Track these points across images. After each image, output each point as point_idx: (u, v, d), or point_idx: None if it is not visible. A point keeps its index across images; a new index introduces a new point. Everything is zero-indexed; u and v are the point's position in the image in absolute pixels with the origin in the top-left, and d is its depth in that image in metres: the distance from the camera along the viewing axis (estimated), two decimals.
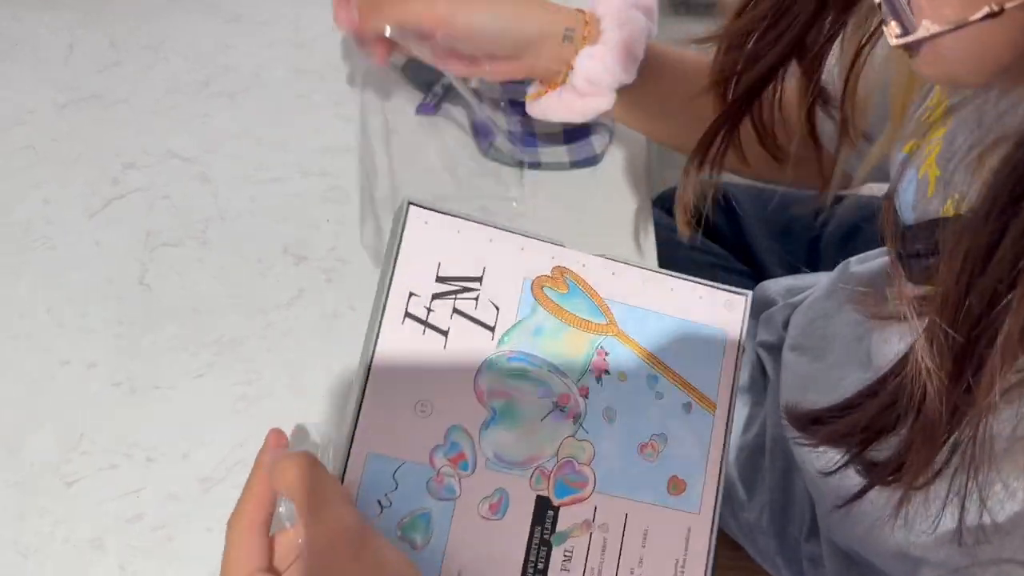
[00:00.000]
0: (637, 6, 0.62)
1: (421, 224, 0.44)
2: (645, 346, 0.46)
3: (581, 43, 0.62)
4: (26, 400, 0.61)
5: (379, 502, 0.41)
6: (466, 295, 0.44)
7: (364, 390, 0.42)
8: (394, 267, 0.43)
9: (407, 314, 0.43)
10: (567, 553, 0.43)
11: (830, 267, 0.70)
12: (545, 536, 0.43)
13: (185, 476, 0.58)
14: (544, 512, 0.43)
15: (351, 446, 0.41)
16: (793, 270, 0.77)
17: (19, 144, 0.73)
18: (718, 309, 0.47)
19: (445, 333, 0.43)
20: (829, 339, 0.59)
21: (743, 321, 0.47)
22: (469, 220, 0.45)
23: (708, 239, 0.84)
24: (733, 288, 0.48)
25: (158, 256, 0.68)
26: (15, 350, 0.63)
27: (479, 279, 0.44)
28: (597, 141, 0.74)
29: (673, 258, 0.70)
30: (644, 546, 0.44)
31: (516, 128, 0.74)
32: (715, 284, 0.48)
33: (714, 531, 0.45)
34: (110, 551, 0.55)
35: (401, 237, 0.43)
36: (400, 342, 0.43)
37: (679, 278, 0.47)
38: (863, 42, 0.49)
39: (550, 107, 0.65)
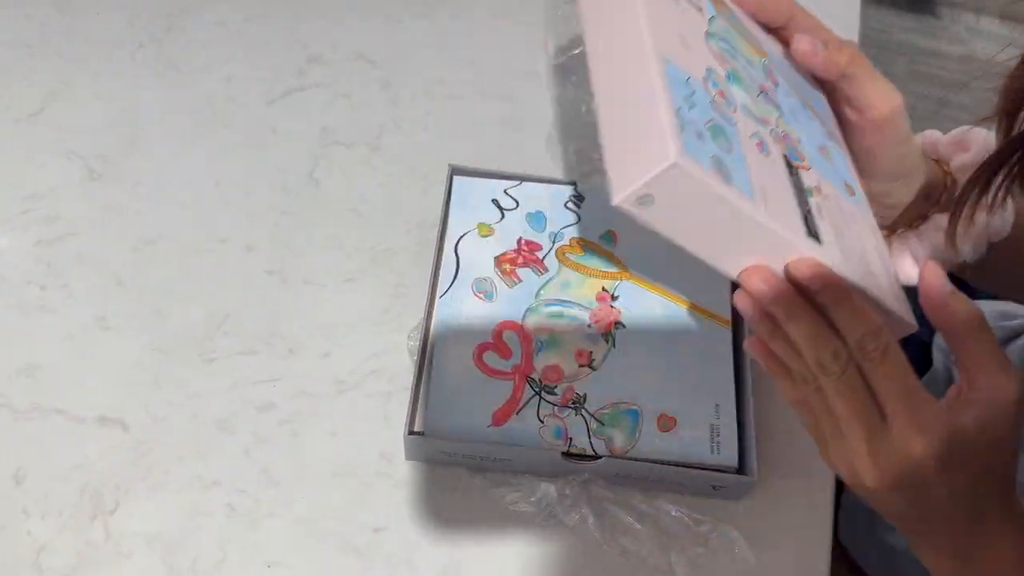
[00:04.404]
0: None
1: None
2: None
3: (935, 208, 0.51)
4: (181, 269, 0.60)
5: (686, 99, 0.38)
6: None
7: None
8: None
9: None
10: (816, 205, 0.42)
11: None
12: (799, 184, 0.41)
13: (322, 375, 0.56)
14: (790, 165, 0.42)
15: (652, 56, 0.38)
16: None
17: (212, 20, 0.73)
18: None
19: None
20: None
21: None
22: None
23: None
24: None
25: (329, 154, 0.66)
26: (178, 217, 0.62)
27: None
28: None
29: None
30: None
31: None
32: None
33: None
34: (237, 434, 0.54)
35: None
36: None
37: None
38: None
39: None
